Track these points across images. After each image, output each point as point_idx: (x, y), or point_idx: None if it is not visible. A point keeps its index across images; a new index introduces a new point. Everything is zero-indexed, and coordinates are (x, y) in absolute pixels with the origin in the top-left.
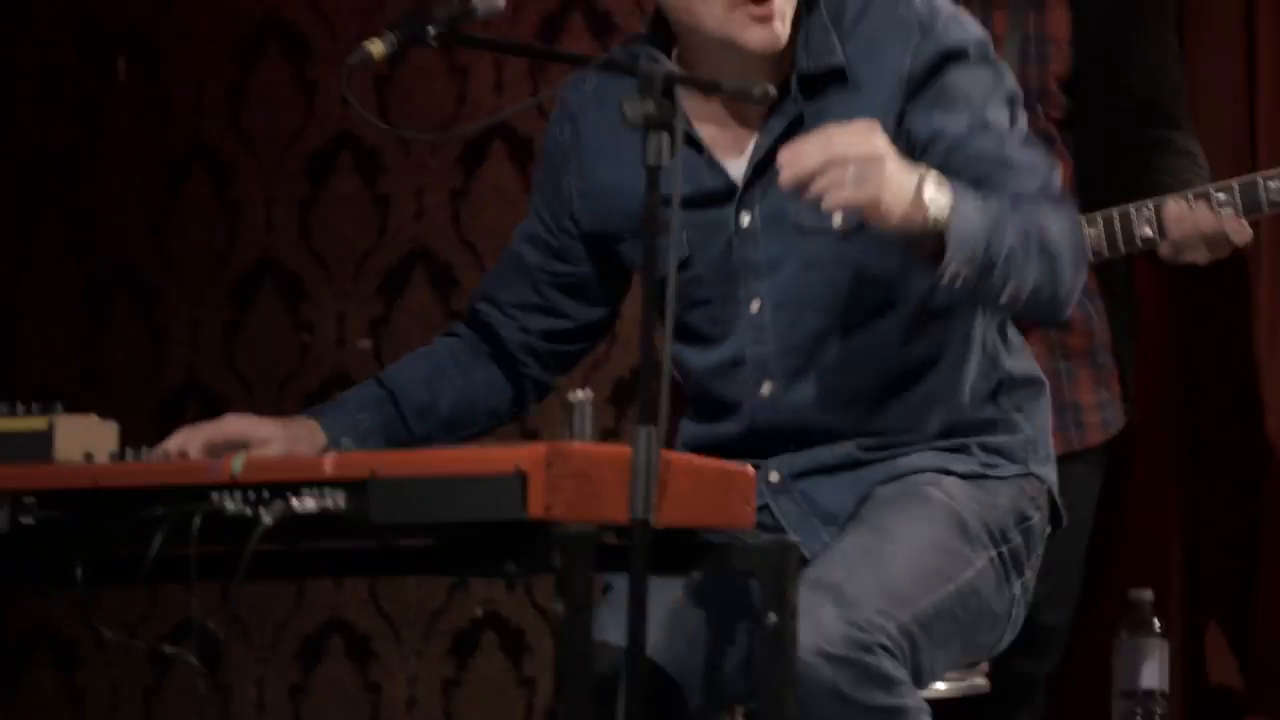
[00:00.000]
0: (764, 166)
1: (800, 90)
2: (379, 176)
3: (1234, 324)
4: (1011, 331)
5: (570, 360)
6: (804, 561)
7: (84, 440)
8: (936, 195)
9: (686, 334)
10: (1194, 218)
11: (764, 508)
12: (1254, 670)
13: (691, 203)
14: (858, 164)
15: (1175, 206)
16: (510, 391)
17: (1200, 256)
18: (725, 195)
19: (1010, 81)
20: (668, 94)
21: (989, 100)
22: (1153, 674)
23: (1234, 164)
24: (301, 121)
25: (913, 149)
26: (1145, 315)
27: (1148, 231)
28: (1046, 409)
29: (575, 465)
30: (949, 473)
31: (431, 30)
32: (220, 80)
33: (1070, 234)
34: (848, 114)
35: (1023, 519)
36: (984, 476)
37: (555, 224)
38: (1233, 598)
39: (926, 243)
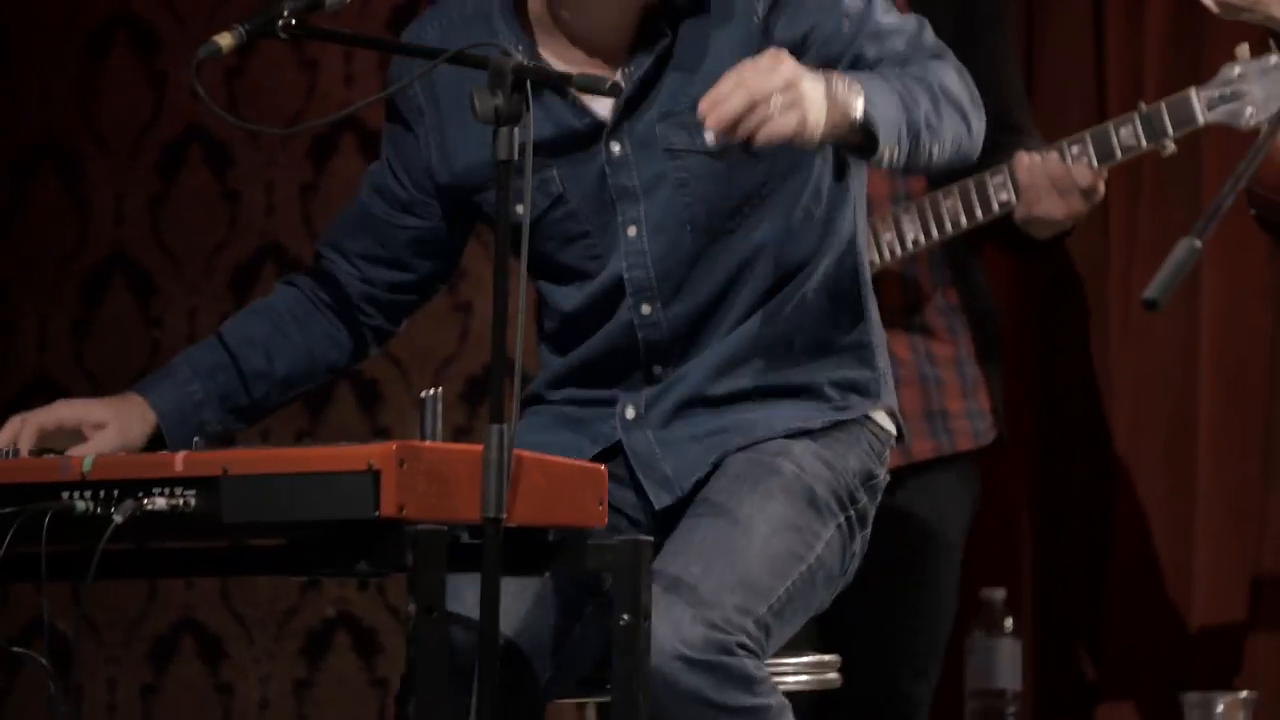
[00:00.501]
0: (635, 103)
1: (667, 22)
2: (229, 170)
3: (1087, 328)
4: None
5: (411, 308)
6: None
7: None
8: (848, 95)
9: (563, 274)
10: (1044, 166)
11: (616, 446)
12: (1104, 669)
13: (558, 146)
14: (778, 95)
15: (1025, 157)
16: (350, 344)
17: (1056, 209)
18: (593, 134)
19: None
20: (518, 88)
21: None
22: (1005, 673)
23: None
24: (151, 115)
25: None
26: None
27: (1004, 195)
28: (884, 337)
29: (427, 463)
30: (802, 434)
31: (280, 23)
32: (70, 73)
33: (960, 80)
34: (710, 41)
35: (869, 477)
36: (836, 426)
37: (409, 178)
38: (1085, 596)
39: (851, 139)
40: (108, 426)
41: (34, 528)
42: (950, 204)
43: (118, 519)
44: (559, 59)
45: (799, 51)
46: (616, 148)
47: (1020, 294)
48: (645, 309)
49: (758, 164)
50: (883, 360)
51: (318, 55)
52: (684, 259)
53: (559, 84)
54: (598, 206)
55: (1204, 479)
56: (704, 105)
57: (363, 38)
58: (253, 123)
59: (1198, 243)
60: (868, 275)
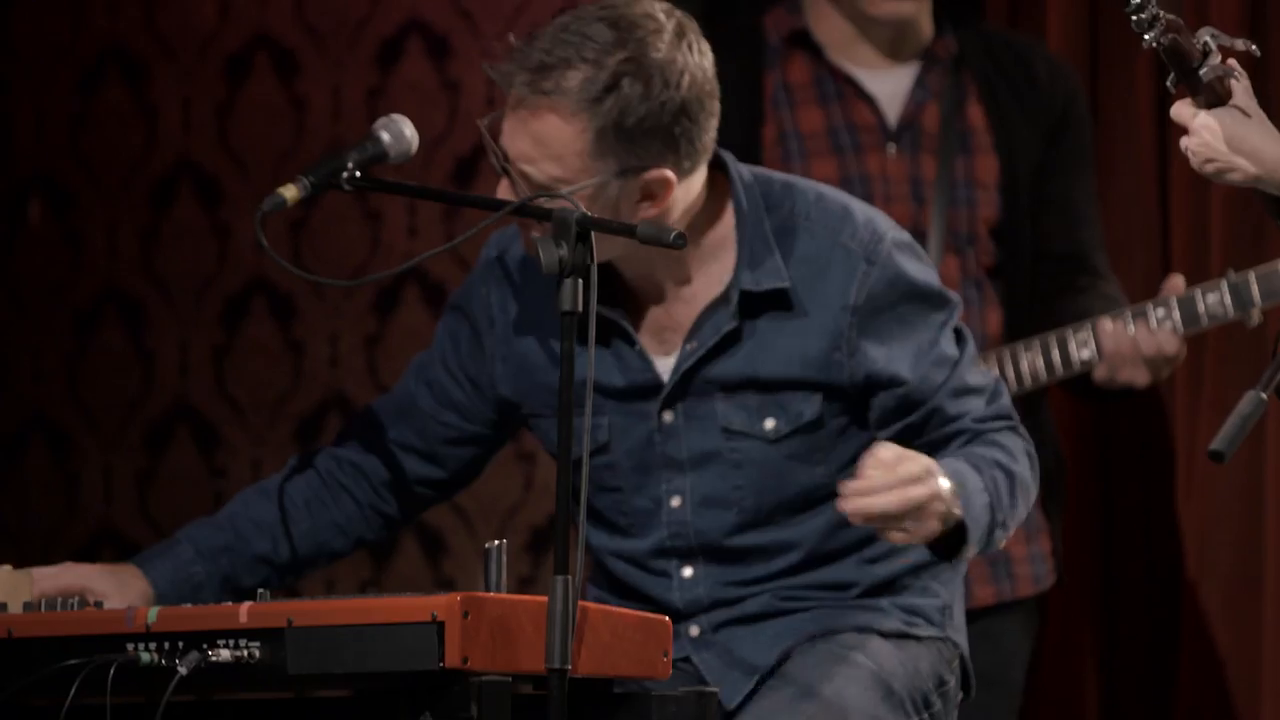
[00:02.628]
0: (691, 374)
1: (740, 306)
2: (293, 321)
3: (1151, 477)
4: None
5: (426, 505)
6: (726, 715)
7: None
8: (952, 499)
9: (592, 516)
10: (1130, 335)
11: (685, 659)
12: None
13: (618, 393)
14: (923, 514)
15: (1110, 323)
16: (358, 534)
17: (1139, 376)
18: (651, 391)
19: (956, 304)
20: (583, 238)
21: (941, 333)
22: None
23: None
24: (215, 267)
25: (865, 382)
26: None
27: (1086, 354)
28: (959, 579)
29: (491, 614)
30: (873, 631)
31: (345, 175)
32: (134, 224)
33: (1030, 460)
34: (786, 338)
35: (941, 683)
36: (906, 635)
37: (468, 381)
38: None
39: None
40: (108, 601)
41: (99, 679)
42: (1030, 358)
43: (182, 670)
44: (632, 322)
45: (882, 385)
46: (669, 417)
47: (1085, 441)
48: (687, 571)
49: (816, 466)
50: (949, 592)
51: (382, 207)
52: (729, 531)
53: (623, 232)
54: (638, 466)
55: (1269, 630)
56: (848, 490)
57: (426, 190)
58: (316, 274)
59: (1264, 395)
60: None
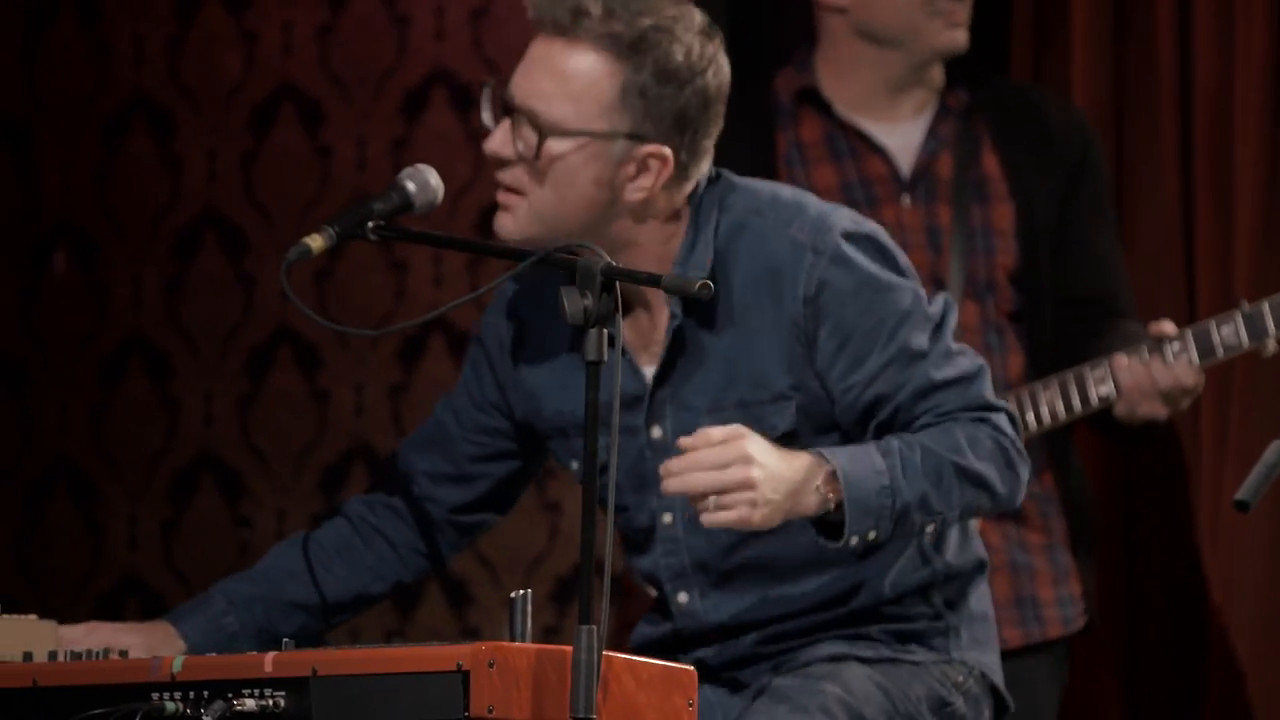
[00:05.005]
0: (663, 377)
1: (682, 304)
2: (318, 371)
3: (1176, 525)
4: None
5: (463, 536)
6: None
7: (23, 639)
8: (807, 497)
9: (622, 539)
10: (1147, 370)
11: None
12: None
13: (606, 410)
14: (731, 489)
15: (1126, 359)
16: (395, 576)
17: (1158, 410)
18: (637, 400)
19: (917, 293)
20: (607, 288)
21: (902, 327)
22: None
23: None
24: (240, 316)
25: (826, 381)
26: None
27: (1104, 390)
28: (986, 593)
29: (517, 664)
30: (851, 658)
31: (370, 224)
32: (159, 274)
33: (996, 446)
34: (749, 340)
35: (942, 705)
36: (894, 661)
37: (488, 402)
38: None
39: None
40: (131, 651)
41: None
42: (1049, 396)
43: None
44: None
45: (838, 378)
46: (657, 433)
47: (1110, 488)
48: (682, 597)
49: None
50: (959, 614)
51: (407, 257)
52: (722, 551)
53: (648, 283)
54: (636, 484)
55: None
56: (667, 467)
57: (451, 239)
58: (342, 324)
59: None
60: (947, 544)
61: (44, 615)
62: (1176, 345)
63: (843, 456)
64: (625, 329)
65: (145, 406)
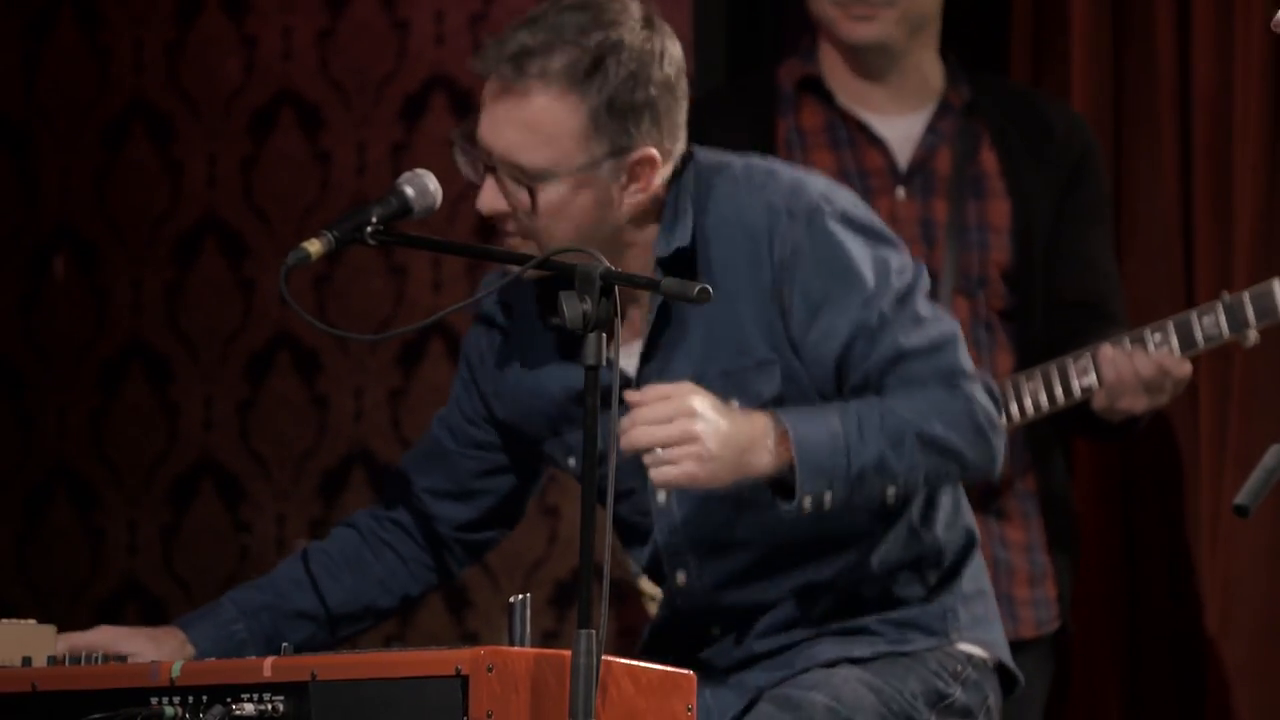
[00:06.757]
0: (649, 354)
1: (664, 272)
2: (318, 376)
3: (1174, 529)
4: (949, 491)
5: (471, 552)
6: None
7: (22, 644)
8: (757, 455)
9: (627, 533)
10: (1130, 361)
11: None
12: None
13: (603, 398)
14: (676, 442)
15: (1110, 350)
16: (404, 589)
17: (1138, 404)
18: (624, 384)
19: (891, 255)
20: (605, 293)
21: (876, 293)
22: None
23: None
24: (240, 321)
25: (800, 346)
26: (1084, 515)
27: (1086, 381)
28: (980, 569)
29: (515, 669)
30: (844, 660)
31: (369, 229)
32: (158, 279)
33: (965, 412)
34: (728, 306)
35: (940, 698)
36: (892, 655)
37: (479, 415)
38: None
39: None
40: (140, 656)
41: None
42: (1032, 387)
43: None
44: None
45: (813, 342)
46: None
47: (1109, 494)
48: (680, 576)
49: None
50: (953, 595)
51: (406, 262)
52: (716, 527)
53: (648, 287)
54: (635, 467)
55: None
56: (619, 425)
57: (450, 244)
58: (341, 329)
59: None
60: (939, 517)
61: (43, 620)
62: (1158, 336)
63: (796, 416)
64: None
65: (145, 411)
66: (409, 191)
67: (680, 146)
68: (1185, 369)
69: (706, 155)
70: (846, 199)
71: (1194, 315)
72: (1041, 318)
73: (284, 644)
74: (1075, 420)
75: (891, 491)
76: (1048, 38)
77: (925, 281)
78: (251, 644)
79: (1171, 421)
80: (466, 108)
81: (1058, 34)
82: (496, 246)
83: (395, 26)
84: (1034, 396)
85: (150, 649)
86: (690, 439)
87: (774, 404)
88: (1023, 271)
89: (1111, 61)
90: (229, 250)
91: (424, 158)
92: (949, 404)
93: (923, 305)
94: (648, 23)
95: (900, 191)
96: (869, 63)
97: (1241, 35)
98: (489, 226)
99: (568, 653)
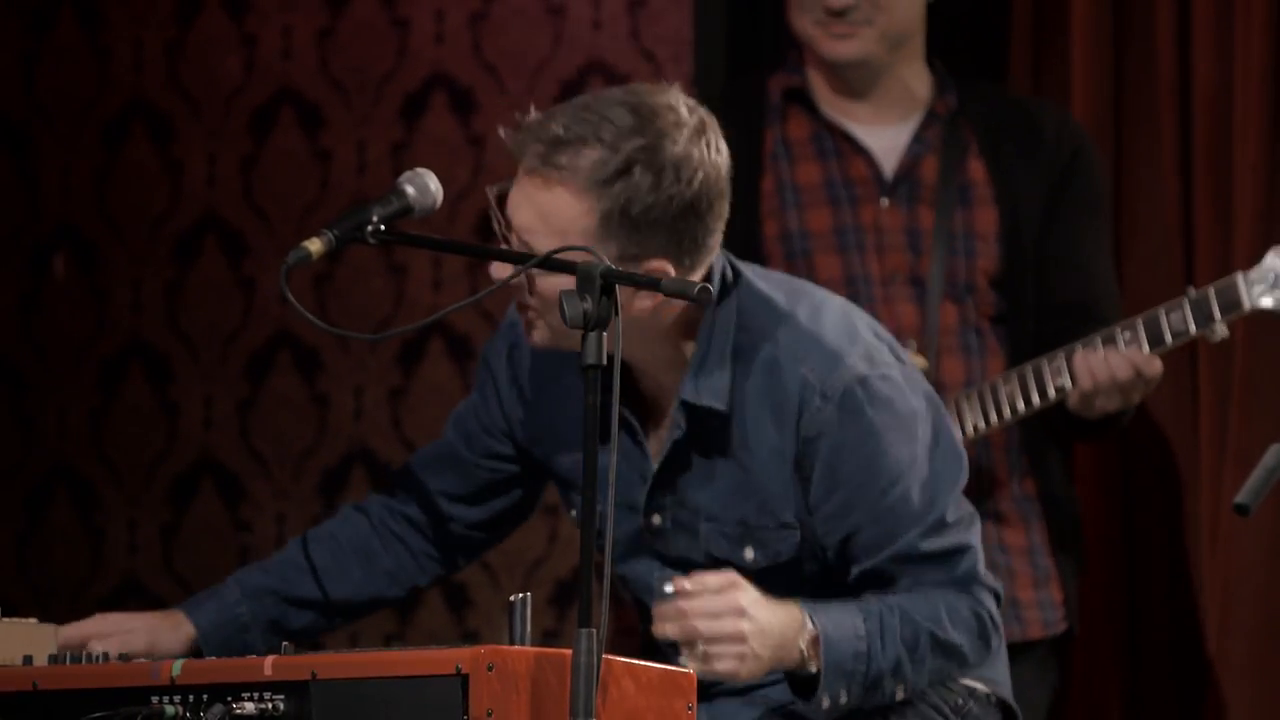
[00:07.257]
0: (665, 474)
1: (686, 415)
2: (318, 374)
3: (1175, 529)
4: None
5: (479, 548)
6: None
7: (23, 643)
8: (789, 653)
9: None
10: (1105, 364)
11: None
12: None
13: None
14: (722, 640)
15: (1083, 353)
16: (412, 581)
17: (1112, 403)
18: (640, 480)
19: (919, 449)
20: (606, 291)
21: (900, 485)
22: None
23: (1169, 360)
24: (240, 320)
25: (815, 523)
26: (1085, 515)
27: (1060, 381)
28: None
29: (516, 667)
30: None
31: (369, 228)
32: (159, 278)
33: (973, 616)
34: (751, 465)
35: None
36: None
37: (496, 427)
38: None
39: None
40: (134, 633)
41: None
42: (1009, 390)
43: None
44: (635, 415)
45: (827, 524)
46: (657, 519)
47: (1109, 494)
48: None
49: (803, 584)
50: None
51: (406, 261)
52: None
53: (648, 286)
54: (629, 552)
55: None
56: (660, 610)
57: (451, 243)
58: (341, 328)
59: None
60: None
61: (44, 619)
62: (1127, 335)
63: (826, 619)
64: (633, 405)
65: (145, 410)
66: (409, 190)
67: (705, 266)
68: (1156, 367)
69: (751, 287)
70: (887, 374)
71: (1161, 312)
72: (1033, 321)
73: (285, 644)
74: (1057, 420)
75: (900, 691)
76: (1048, 38)
77: (962, 476)
78: (254, 627)
79: (1171, 421)
80: (467, 107)
81: (1058, 34)
82: (496, 247)
83: (395, 25)
84: (1010, 399)
85: (146, 629)
86: (738, 639)
87: (790, 565)
88: (1012, 277)
89: (1111, 61)
90: (229, 249)
91: (424, 157)
92: (960, 609)
93: (951, 508)
94: (698, 134)
95: (885, 201)
96: (851, 79)
97: (1241, 35)
98: (489, 226)
99: (568, 652)
